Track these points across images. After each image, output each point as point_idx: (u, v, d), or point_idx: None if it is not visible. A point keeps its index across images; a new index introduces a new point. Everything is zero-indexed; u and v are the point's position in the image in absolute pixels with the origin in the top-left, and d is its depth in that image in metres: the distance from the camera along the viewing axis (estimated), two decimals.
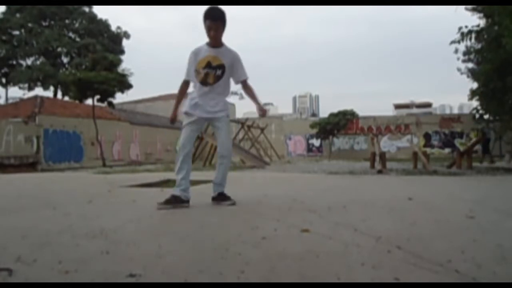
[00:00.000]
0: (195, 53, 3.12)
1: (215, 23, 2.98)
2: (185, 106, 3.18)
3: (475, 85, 14.06)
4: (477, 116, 18.56)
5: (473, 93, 13.99)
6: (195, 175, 6.77)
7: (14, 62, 29.15)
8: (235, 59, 3.13)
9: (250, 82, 3.28)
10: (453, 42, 10.21)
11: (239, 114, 34.77)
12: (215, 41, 3.06)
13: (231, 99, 33.74)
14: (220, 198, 3.19)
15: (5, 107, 20.17)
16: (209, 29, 2.99)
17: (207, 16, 2.96)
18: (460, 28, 9.76)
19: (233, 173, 7.86)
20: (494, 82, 10.82)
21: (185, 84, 3.21)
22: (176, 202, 3.01)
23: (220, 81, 3.09)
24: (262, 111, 3.20)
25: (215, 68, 3.05)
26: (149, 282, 1.39)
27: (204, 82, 3.07)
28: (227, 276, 1.44)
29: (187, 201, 3.08)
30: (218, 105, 3.12)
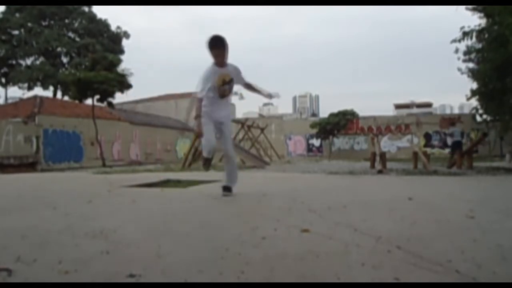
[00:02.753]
0: (210, 73, 3.59)
1: (220, 51, 3.50)
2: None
3: (475, 85, 14.05)
4: (477, 116, 18.54)
5: (473, 93, 13.97)
6: (195, 175, 6.78)
7: (14, 62, 29.11)
8: (237, 71, 3.71)
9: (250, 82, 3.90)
10: (453, 41, 10.21)
11: (239, 114, 34.78)
12: (222, 64, 3.59)
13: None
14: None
15: (4, 107, 20.15)
16: (216, 57, 3.53)
17: (212, 46, 3.47)
18: (462, 28, 9.78)
19: None
20: (493, 82, 10.80)
21: (201, 101, 3.64)
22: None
23: (231, 93, 3.79)
24: (269, 96, 4.09)
25: (229, 83, 3.67)
26: (149, 282, 1.39)
27: (222, 96, 3.68)
28: (227, 276, 1.44)
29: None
30: (226, 112, 3.79)
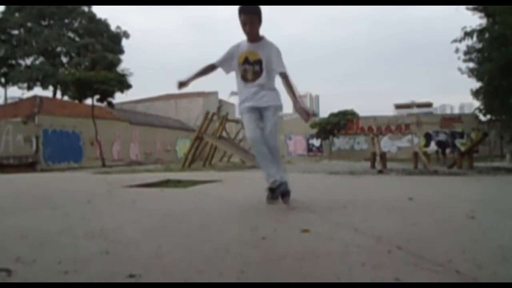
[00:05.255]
0: (237, 46, 3.03)
1: (249, 17, 2.85)
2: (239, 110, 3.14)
3: (476, 84, 14.05)
4: (480, 115, 18.48)
5: (476, 93, 13.95)
6: (195, 175, 6.78)
7: (13, 62, 29.13)
8: (272, 52, 2.95)
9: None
10: (454, 41, 10.23)
11: (238, 114, 34.69)
12: (252, 36, 2.93)
13: (231, 99, 33.69)
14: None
15: (4, 107, 20.18)
16: (244, 24, 2.87)
17: (242, 10, 2.85)
18: (463, 28, 9.81)
19: (233, 173, 7.86)
20: (498, 81, 10.77)
21: (211, 66, 3.10)
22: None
23: (260, 78, 2.94)
24: (304, 115, 2.84)
25: (252, 64, 2.94)
26: (149, 282, 1.39)
27: (244, 79, 2.99)
28: (227, 276, 1.43)
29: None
30: (265, 97, 2.96)
